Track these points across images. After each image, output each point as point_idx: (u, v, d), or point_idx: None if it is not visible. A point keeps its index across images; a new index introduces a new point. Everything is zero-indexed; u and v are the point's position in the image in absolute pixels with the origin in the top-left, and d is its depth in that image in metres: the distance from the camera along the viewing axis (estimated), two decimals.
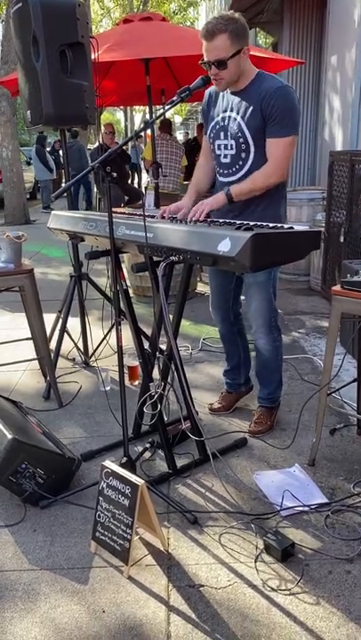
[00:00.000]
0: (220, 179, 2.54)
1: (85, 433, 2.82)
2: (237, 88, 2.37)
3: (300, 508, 2.16)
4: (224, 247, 1.74)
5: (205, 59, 2.25)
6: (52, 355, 3.32)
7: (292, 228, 1.93)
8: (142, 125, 2.42)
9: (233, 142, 2.41)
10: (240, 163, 2.43)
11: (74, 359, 3.75)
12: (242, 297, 2.79)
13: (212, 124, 2.49)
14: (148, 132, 7.40)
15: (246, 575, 1.87)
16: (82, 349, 3.66)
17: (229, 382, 3.01)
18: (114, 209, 2.21)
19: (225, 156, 2.47)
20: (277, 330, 2.68)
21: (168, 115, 8.54)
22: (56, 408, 3.09)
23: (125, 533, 1.86)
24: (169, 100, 2.15)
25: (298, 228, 1.92)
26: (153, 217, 2.41)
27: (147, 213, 2.40)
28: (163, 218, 2.40)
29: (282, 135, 2.30)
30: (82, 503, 2.25)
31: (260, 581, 1.84)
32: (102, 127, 7.99)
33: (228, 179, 2.49)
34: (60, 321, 3.46)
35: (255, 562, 1.92)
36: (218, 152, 2.50)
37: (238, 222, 2.12)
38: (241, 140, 2.38)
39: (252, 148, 2.38)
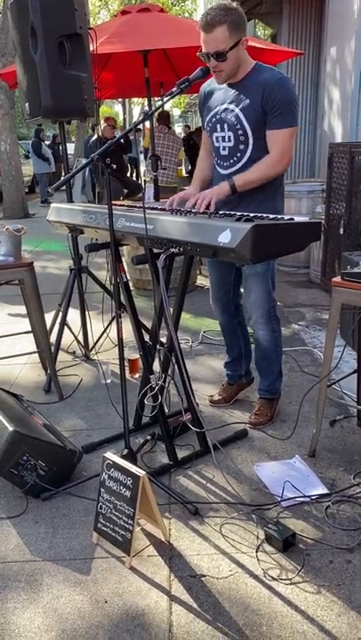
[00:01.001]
0: (220, 170, 2.53)
1: (86, 425, 2.83)
2: (235, 80, 2.36)
3: (301, 499, 2.17)
4: (224, 238, 1.74)
5: (204, 50, 2.24)
6: (53, 348, 3.33)
7: (292, 219, 1.93)
8: (141, 117, 2.41)
9: (231, 134, 2.40)
10: (238, 154, 2.42)
11: (74, 352, 3.76)
12: (241, 289, 2.80)
13: (210, 116, 2.48)
14: (147, 124, 7.37)
15: (247, 565, 1.88)
16: (82, 342, 3.66)
17: (230, 374, 3.01)
18: (113, 202, 2.20)
19: (223, 148, 2.46)
20: (276, 320, 2.68)
21: (167, 107, 8.51)
22: (57, 401, 3.09)
23: (127, 524, 1.87)
24: (168, 92, 2.14)
25: (298, 219, 1.91)
26: (153, 209, 2.41)
27: (146, 206, 2.39)
28: (169, 208, 2.39)
29: (284, 126, 2.30)
30: (83, 495, 2.26)
31: (262, 571, 1.85)
32: (102, 120, 7.95)
33: (227, 170, 2.48)
34: (60, 314, 3.46)
35: (256, 552, 1.93)
36: (216, 144, 2.49)
37: (238, 213, 2.11)
38: (240, 131, 2.37)
39: (251, 140, 2.37)
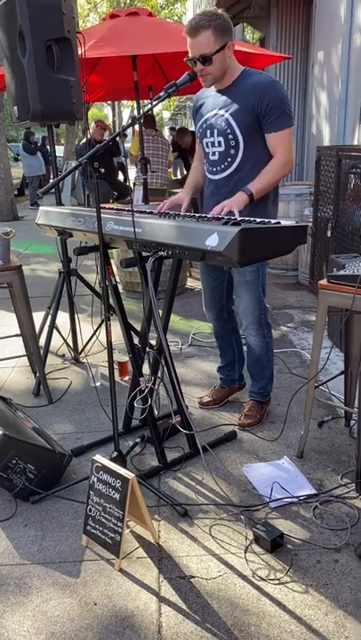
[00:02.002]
0: (210, 176, 2.55)
1: (76, 428, 2.84)
2: (223, 85, 2.38)
3: (289, 500, 2.19)
4: (212, 242, 1.75)
5: (190, 55, 2.26)
6: (42, 351, 3.32)
7: (278, 222, 1.95)
8: (129, 121, 2.42)
9: (221, 139, 2.42)
10: (229, 159, 2.44)
11: (63, 355, 3.75)
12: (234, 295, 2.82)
13: (200, 122, 2.50)
14: (135, 127, 7.37)
15: (236, 566, 1.89)
16: (71, 345, 3.66)
17: (223, 378, 3.03)
18: (102, 205, 2.21)
19: (213, 154, 2.48)
20: (267, 326, 2.70)
21: (156, 110, 8.50)
22: (46, 404, 3.09)
23: (116, 527, 1.88)
24: (156, 96, 2.16)
25: (284, 222, 1.93)
26: (142, 212, 2.42)
27: (135, 209, 2.41)
28: (158, 212, 2.40)
29: (282, 128, 2.33)
30: (73, 498, 2.26)
31: (250, 572, 1.87)
32: (93, 122, 7.95)
33: (217, 176, 2.50)
34: (50, 317, 3.46)
35: (245, 552, 1.95)
36: (207, 150, 2.51)
37: (226, 217, 2.13)
38: (230, 136, 2.39)
39: (242, 145, 2.39)
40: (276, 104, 2.29)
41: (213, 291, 2.79)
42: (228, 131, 2.38)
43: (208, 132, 2.46)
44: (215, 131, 2.43)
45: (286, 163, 2.37)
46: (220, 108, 2.40)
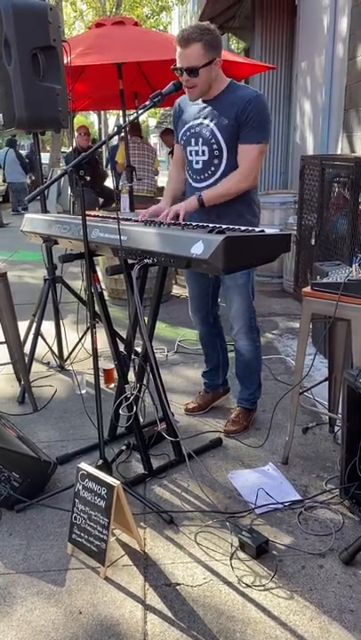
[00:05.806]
0: (193, 184, 2.57)
1: (61, 436, 2.82)
2: (209, 96, 2.41)
3: (274, 506, 2.20)
4: (197, 250, 1.77)
5: (178, 64, 2.29)
6: (27, 358, 3.31)
7: (263, 231, 1.97)
8: (115, 130, 2.44)
9: (206, 148, 2.44)
10: (212, 168, 2.46)
11: (48, 363, 3.74)
12: (219, 300, 2.84)
13: (183, 130, 2.52)
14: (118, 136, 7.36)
15: (222, 572, 1.90)
16: (57, 353, 3.65)
17: (208, 382, 3.04)
18: (87, 212, 2.22)
19: (197, 162, 2.50)
20: (256, 330, 2.73)
21: (142, 118, 8.51)
22: (31, 412, 3.07)
23: (102, 534, 1.87)
24: (141, 105, 2.18)
25: (268, 231, 1.96)
26: (127, 220, 2.43)
27: (121, 216, 2.42)
28: (140, 220, 2.41)
29: (255, 141, 2.36)
30: (58, 506, 2.25)
31: (236, 578, 1.87)
32: (76, 130, 7.95)
33: (201, 184, 2.52)
34: (35, 324, 3.44)
35: (230, 559, 1.95)
36: (190, 158, 2.53)
37: (211, 225, 2.15)
38: (214, 146, 2.42)
39: (225, 154, 2.42)
40: (254, 117, 2.33)
41: (200, 296, 2.81)
42: (213, 140, 2.41)
43: (192, 140, 2.48)
44: (200, 139, 2.45)
45: (246, 177, 2.39)
46: (204, 118, 2.43)
